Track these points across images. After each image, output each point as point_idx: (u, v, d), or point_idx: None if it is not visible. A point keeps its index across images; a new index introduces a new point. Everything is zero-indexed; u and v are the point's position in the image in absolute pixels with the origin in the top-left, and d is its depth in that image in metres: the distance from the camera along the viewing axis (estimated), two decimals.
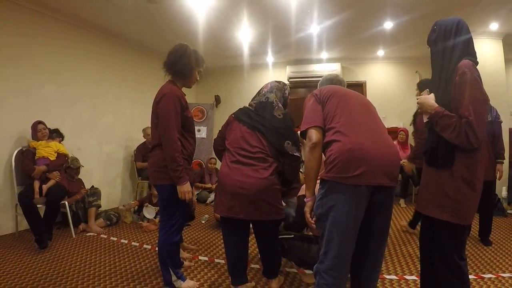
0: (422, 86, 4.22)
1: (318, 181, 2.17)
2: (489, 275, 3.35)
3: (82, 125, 5.92)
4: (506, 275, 3.35)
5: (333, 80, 2.91)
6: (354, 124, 2.09)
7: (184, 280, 3.06)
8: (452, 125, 1.96)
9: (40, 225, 4.23)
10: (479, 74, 2.03)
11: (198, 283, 3.20)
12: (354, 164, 1.94)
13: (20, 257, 3.84)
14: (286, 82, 8.64)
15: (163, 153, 2.80)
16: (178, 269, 3.07)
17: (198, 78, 3.10)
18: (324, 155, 2.15)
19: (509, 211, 5.94)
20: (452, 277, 2.04)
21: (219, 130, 3.12)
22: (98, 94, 6.27)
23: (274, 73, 9.16)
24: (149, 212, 5.29)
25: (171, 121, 2.76)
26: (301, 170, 4.36)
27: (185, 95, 2.99)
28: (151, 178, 2.97)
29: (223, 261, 3.78)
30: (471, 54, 2.12)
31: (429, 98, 2.11)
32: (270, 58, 8.58)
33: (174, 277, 3.01)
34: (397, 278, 3.33)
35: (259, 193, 2.69)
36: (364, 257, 2.14)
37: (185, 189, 2.78)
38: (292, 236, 3.34)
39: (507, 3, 5.25)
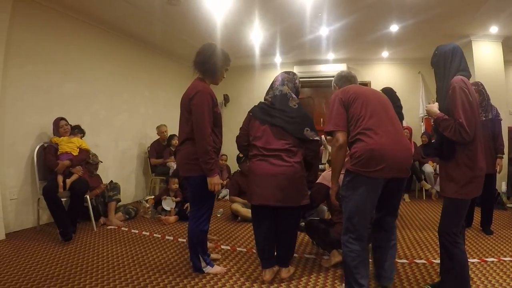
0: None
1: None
2: (492, 259, 3.63)
3: (99, 122, 6.07)
4: (507, 258, 3.65)
5: (350, 79, 3.16)
6: (376, 126, 2.54)
7: (212, 266, 3.25)
8: (450, 126, 2.49)
9: (65, 218, 4.34)
10: (466, 85, 2.52)
11: (225, 268, 3.37)
12: (375, 162, 2.45)
13: (46, 249, 3.95)
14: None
15: (194, 146, 2.98)
16: (206, 256, 3.26)
17: (225, 76, 3.31)
18: (349, 149, 2.63)
19: (508, 205, 6.17)
20: (451, 245, 2.58)
21: (241, 127, 3.30)
22: (114, 92, 6.44)
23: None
24: (168, 203, 5.43)
25: (205, 117, 2.95)
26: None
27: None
28: (182, 170, 3.16)
29: (245, 250, 3.99)
30: (463, 69, 2.62)
31: (434, 107, 2.67)
32: (278, 58, 8.75)
33: (203, 264, 3.20)
34: (408, 261, 3.60)
35: (287, 180, 2.94)
36: (382, 226, 2.85)
37: (215, 181, 2.98)
38: (318, 219, 3.69)
39: (507, 7, 5.45)
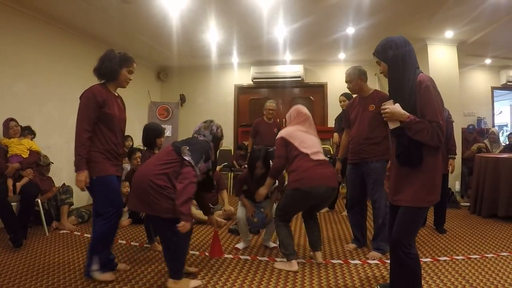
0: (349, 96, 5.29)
1: None
2: (444, 258, 3.77)
3: (51, 123, 5.89)
4: (460, 257, 3.79)
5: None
6: None
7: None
8: (426, 129, 2.29)
9: (15, 223, 4.19)
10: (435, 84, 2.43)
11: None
12: None
13: None
14: (251, 82, 8.94)
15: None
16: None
17: (130, 77, 3.35)
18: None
19: (462, 204, 6.43)
20: (405, 256, 2.44)
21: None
22: (68, 93, 6.16)
23: (238, 73, 9.39)
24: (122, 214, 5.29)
25: (80, 116, 3.07)
26: None
27: (118, 96, 3.39)
28: None
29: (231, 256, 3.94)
30: (416, 65, 2.50)
31: (398, 108, 2.37)
32: (235, 58, 8.76)
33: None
34: (360, 262, 3.70)
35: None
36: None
37: (78, 178, 3.02)
38: None
39: (462, 13, 5.68)
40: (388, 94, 2.63)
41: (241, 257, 3.87)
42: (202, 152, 3.03)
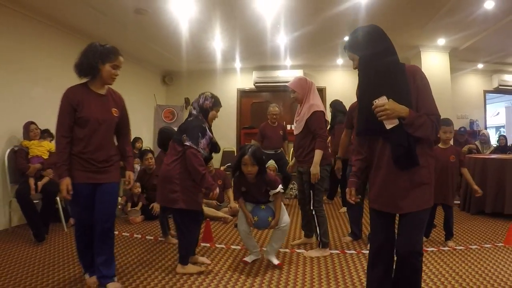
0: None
1: None
2: (432, 249, 4.16)
3: None
4: (446, 248, 4.17)
5: None
6: None
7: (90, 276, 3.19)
8: (427, 123, 2.09)
9: (38, 219, 4.47)
10: None
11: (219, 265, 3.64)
12: None
13: (21, 250, 4.08)
14: (253, 86, 9.29)
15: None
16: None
17: (116, 73, 3.08)
18: None
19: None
20: (420, 266, 2.24)
21: None
22: None
23: (241, 78, 9.74)
24: (135, 213, 5.63)
25: (57, 121, 2.91)
26: None
27: (106, 95, 3.08)
28: None
29: (239, 247, 4.25)
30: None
31: (396, 103, 2.07)
32: (238, 64, 9.11)
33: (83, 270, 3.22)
34: (355, 252, 4.06)
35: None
36: None
37: (60, 186, 2.85)
38: None
39: (453, 23, 6.08)
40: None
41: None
42: (197, 130, 3.36)
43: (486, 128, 9.52)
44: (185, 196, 3.30)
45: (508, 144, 8.59)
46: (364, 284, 2.88)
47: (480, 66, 9.17)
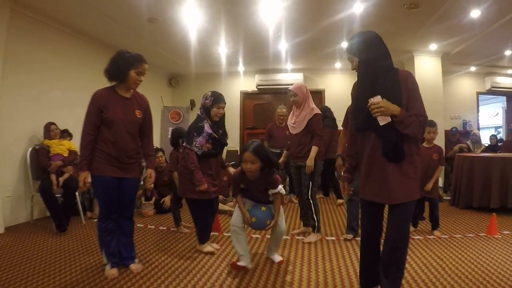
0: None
1: None
2: (418, 237, 4.57)
3: (81, 126, 6.52)
4: (431, 237, 4.59)
5: None
6: None
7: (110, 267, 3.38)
8: (415, 122, 2.31)
9: (60, 212, 4.84)
10: None
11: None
12: None
13: (44, 240, 4.42)
14: (255, 88, 9.70)
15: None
16: (109, 255, 3.44)
17: (140, 79, 3.35)
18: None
19: (444, 198, 7.15)
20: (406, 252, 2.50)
21: None
22: None
23: (244, 80, 10.13)
24: (147, 207, 6.04)
25: (84, 119, 3.24)
26: None
27: (131, 98, 3.38)
28: None
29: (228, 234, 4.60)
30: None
31: (389, 102, 2.29)
32: (241, 67, 9.50)
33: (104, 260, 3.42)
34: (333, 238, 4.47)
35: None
36: None
37: (79, 177, 3.21)
38: None
39: (443, 30, 6.48)
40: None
41: (252, 235, 4.63)
42: (192, 131, 3.84)
43: (478, 129, 9.83)
44: (193, 187, 3.78)
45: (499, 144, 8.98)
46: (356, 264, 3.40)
47: (473, 69, 9.50)
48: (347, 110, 4.50)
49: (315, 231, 4.43)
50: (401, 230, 2.43)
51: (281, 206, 3.56)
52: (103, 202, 3.36)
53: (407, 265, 3.36)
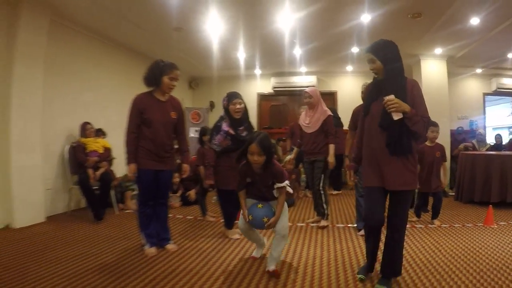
0: None
1: None
2: (420, 226, 5.01)
3: (111, 125, 6.89)
4: (433, 226, 5.01)
5: None
6: None
7: (149, 246, 3.86)
8: (421, 121, 2.61)
9: (97, 202, 5.35)
10: None
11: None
12: None
13: (83, 227, 4.88)
14: (271, 90, 10.15)
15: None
16: (148, 236, 3.93)
17: (173, 84, 3.78)
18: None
19: (450, 194, 7.54)
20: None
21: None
22: (123, 99, 7.05)
23: (261, 83, 10.54)
24: (174, 199, 6.53)
25: (128, 120, 3.74)
26: None
27: (167, 101, 3.84)
28: None
29: None
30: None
31: (401, 101, 2.59)
32: (258, 70, 9.97)
33: (143, 241, 3.91)
34: (343, 225, 4.99)
35: None
36: None
37: (129, 168, 3.72)
38: None
39: (447, 35, 6.87)
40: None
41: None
42: (212, 130, 4.33)
43: (484, 128, 10.12)
44: (224, 180, 4.28)
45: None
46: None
47: (479, 70, 9.80)
48: (353, 112, 4.73)
49: (325, 218, 4.95)
50: (401, 216, 2.79)
51: (290, 203, 3.98)
52: (143, 190, 3.81)
53: (407, 248, 3.87)
